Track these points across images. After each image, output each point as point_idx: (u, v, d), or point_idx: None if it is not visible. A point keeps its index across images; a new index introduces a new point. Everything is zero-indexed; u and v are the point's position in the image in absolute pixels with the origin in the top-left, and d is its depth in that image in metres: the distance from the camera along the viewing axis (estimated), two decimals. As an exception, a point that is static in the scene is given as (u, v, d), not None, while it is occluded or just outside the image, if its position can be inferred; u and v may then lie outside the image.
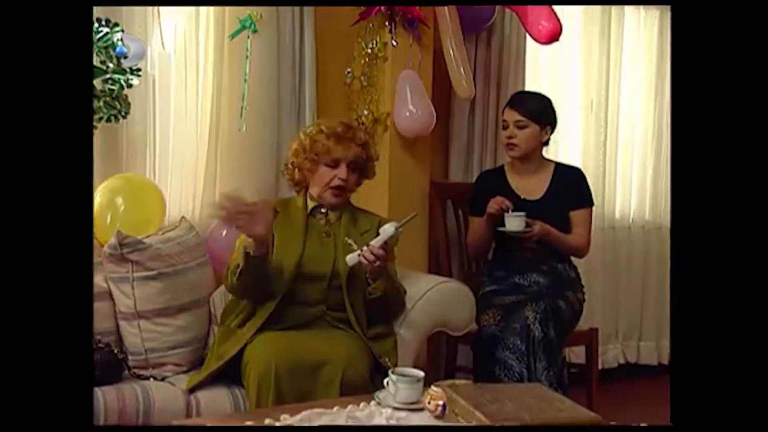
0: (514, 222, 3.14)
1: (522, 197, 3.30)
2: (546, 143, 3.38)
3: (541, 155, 3.38)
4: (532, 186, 3.35)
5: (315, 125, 2.82)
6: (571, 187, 3.34)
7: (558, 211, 3.30)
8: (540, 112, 3.31)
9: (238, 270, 2.55)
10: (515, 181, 3.36)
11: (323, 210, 2.77)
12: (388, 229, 2.61)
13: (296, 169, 2.78)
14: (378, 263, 2.58)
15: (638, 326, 4.53)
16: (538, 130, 3.29)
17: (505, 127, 3.33)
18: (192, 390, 2.54)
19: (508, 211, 3.15)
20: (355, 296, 2.67)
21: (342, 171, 2.71)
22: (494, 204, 3.17)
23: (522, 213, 3.15)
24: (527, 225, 3.14)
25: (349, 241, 2.72)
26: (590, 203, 3.38)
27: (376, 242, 2.58)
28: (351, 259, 2.60)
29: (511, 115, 3.30)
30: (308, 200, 2.80)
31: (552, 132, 3.37)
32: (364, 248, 2.58)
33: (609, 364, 4.36)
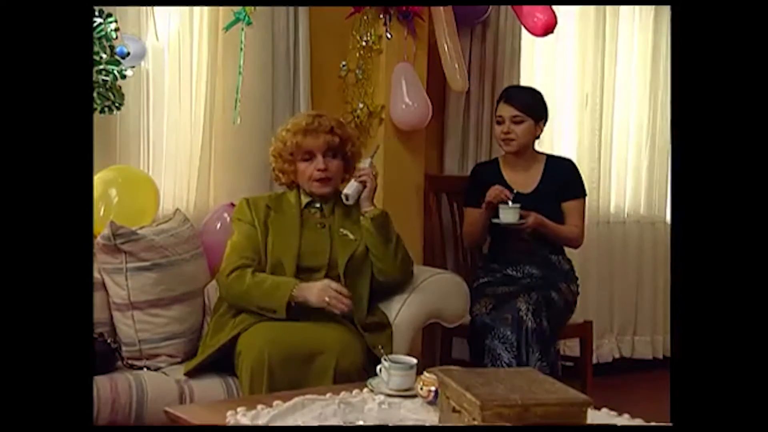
0: (509, 214, 3.15)
1: (515, 190, 3.30)
2: (538, 136, 3.39)
3: (533, 149, 3.39)
4: (525, 179, 3.36)
5: (282, 128, 2.83)
6: (562, 179, 3.35)
7: (550, 203, 3.30)
8: (535, 107, 3.32)
9: (272, 313, 2.55)
10: (509, 175, 3.37)
11: (317, 205, 2.80)
12: (363, 162, 2.83)
13: (281, 173, 2.81)
14: (369, 182, 2.75)
15: (633, 321, 4.54)
16: (533, 124, 3.30)
17: (500, 122, 3.32)
18: (185, 380, 2.54)
19: (507, 202, 3.15)
20: (351, 287, 2.68)
21: (319, 161, 2.73)
22: (493, 191, 3.18)
23: (517, 205, 3.15)
24: (521, 217, 3.15)
25: (344, 231, 2.75)
26: (582, 194, 3.39)
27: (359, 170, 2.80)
28: (350, 187, 2.76)
29: (507, 111, 3.29)
30: (302, 197, 2.81)
31: (544, 126, 3.38)
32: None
33: (604, 358, 4.36)
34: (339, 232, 2.75)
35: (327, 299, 2.51)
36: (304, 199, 2.80)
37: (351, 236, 2.74)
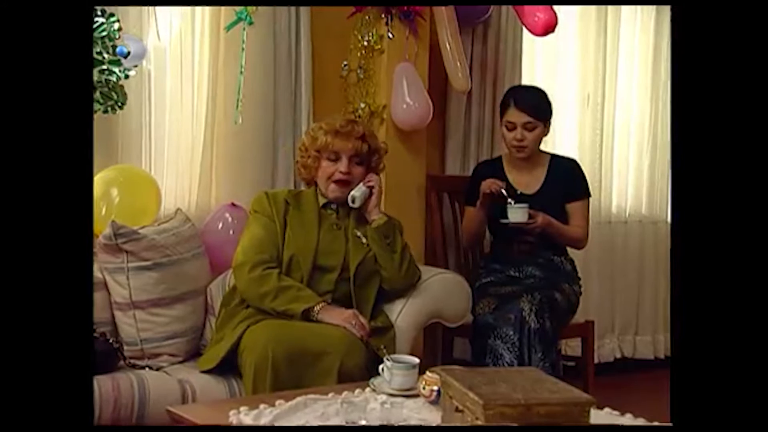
0: (517, 213, 3.12)
1: (519, 191, 3.29)
2: (545, 134, 3.36)
3: (538, 148, 3.37)
4: (529, 180, 3.34)
5: (317, 124, 2.89)
6: (566, 179, 3.33)
7: (554, 204, 3.28)
8: (544, 110, 3.28)
9: (288, 315, 2.57)
10: (512, 175, 3.36)
11: (333, 206, 2.83)
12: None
13: (303, 168, 2.86)
14: (376, 189, 2.81)
15: (634, 320, 4.54)
16: (543, 127, 3.28)
17: (511, 129, 3.25)
18: (187, 379, 2.53)
19: (505, 197, 3.13)
20: (360, 289, 2.72)
21: (343, 164, 2.78)
22: (487, 183, 3.16)
23: (525, 204, 3.13)
24: (530, 216, 3.13)
25: (359, 233, 2.78)
26: (586, 194, 3.37)
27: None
28: (358, 189, 2.77)
29: (520, 117, 3.22)
30: (319, 196, 2.85)
31: (550, 125, 3.36)
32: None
33: (605, 358, 4.36)
34: (354, 234, 2.78)
35: (351, 322, 2.53)
36: (322, 200, 2.84)
37: (364, 240, 2.78)
